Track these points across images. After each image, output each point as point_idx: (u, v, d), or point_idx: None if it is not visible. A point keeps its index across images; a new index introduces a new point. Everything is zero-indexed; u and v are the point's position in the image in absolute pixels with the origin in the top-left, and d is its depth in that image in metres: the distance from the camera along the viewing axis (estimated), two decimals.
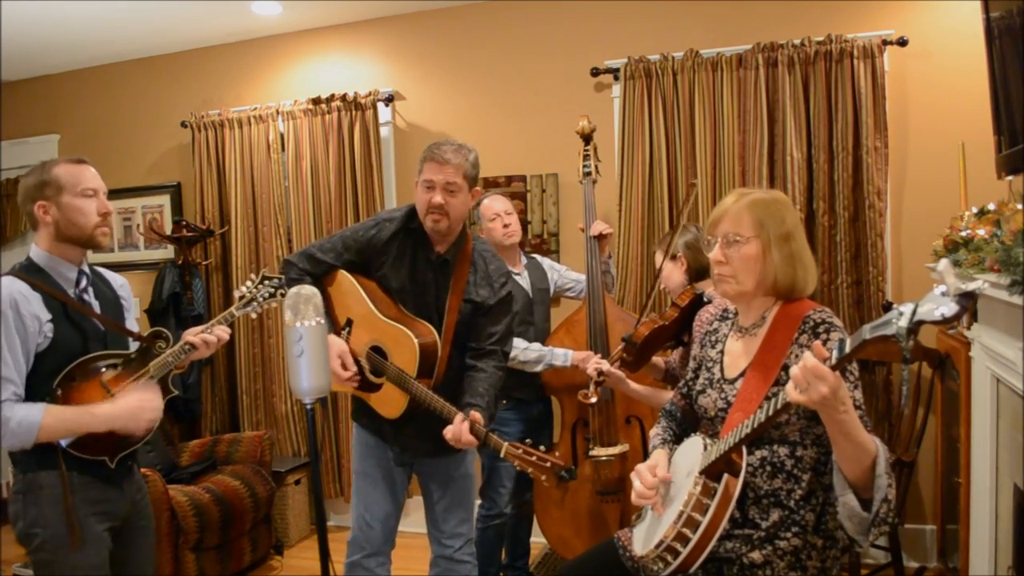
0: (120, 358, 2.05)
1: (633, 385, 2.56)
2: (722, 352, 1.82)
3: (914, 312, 1.16)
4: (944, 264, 1.16)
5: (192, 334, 2.10)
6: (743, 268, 1.70)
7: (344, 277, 2.37)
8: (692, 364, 1.92)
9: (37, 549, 1.95)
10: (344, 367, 2.25)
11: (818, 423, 1.61)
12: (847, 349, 1.31)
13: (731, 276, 1.72)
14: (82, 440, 1.94)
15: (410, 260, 2.34)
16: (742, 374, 1.70)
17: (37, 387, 1.92)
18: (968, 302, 1.11)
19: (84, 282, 2.07)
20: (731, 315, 1.88)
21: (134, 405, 1.95)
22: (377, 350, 2.29)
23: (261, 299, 2.23)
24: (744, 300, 1.77)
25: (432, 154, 2.27)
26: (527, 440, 2.09)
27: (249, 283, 2.25)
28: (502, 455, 2.06)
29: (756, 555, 1.62)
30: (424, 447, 2.35)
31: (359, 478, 2.45)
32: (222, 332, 2.11)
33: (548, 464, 2.01)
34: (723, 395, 1.73)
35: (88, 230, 2.01)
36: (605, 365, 2.55)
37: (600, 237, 3.07)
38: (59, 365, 1.94)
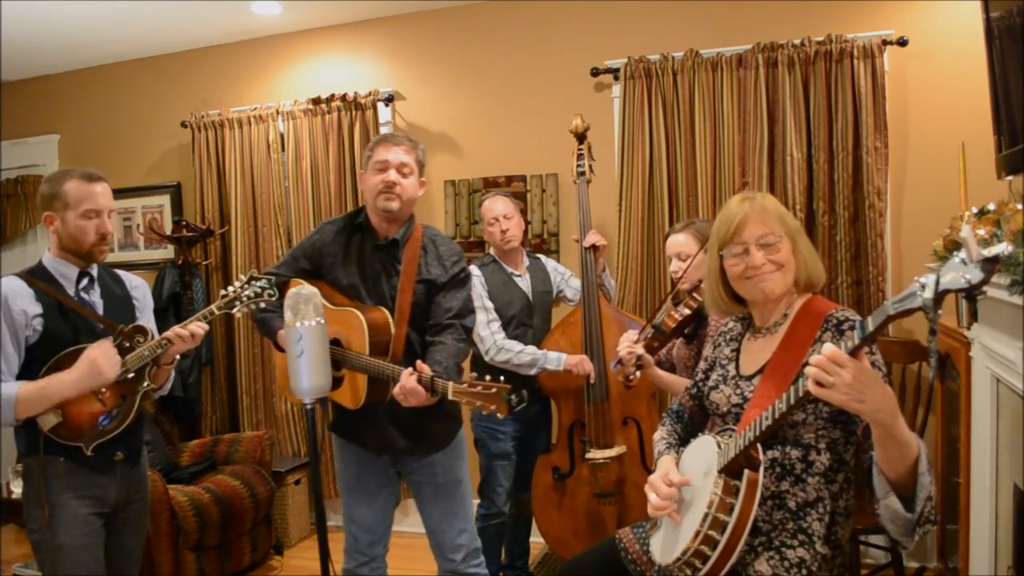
0: None
1: (659, 372, 2.53)
2: (737, 351, 1.80)
3: (938, 282, 1.13)
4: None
5: (170, 330, 2.18)
6: (786, 267, 1.68)
7: (298, 284, 2.35)
8: (703, 364, 1.90)
9: (31, 530, 2.11)
10: None
11: (835, 427, 1.59)
12: (870, 327, 1.27)
13: (774, 273, 1.67)
14: (58, 426, 2.07)
15: (357, 254, 2.37)
16: (760, 371, 1.68)
17: (30, 377, 2.07)
18: (992, 267, 1.08)
19: (85, 281, 2.20)
20: (744, 315, 1.85)
21: (88, 359, 2.06)
22: (335, 343, 2.29)
23: (245, 298, 2.25)
24: (779, 300, 1.74)
25: (383, 138, 2.36)
26: (473, 374, 2.04)
27: (237, 283, 2.29)
28: (450, 396, 2.00)
29: (764, 567, 1.58)
30: (403, 445, 2.34)
31: (343, 492, 2.47)
32: (196, 328, 2.17)
33: (493, 391, 1.93)
34: (739, 391, 1.71)
35: (86, 247, 2.16)
36: (639, 348, 2.45)
37: (594, 249, 3.03)
38: (50, 356, 2.09)
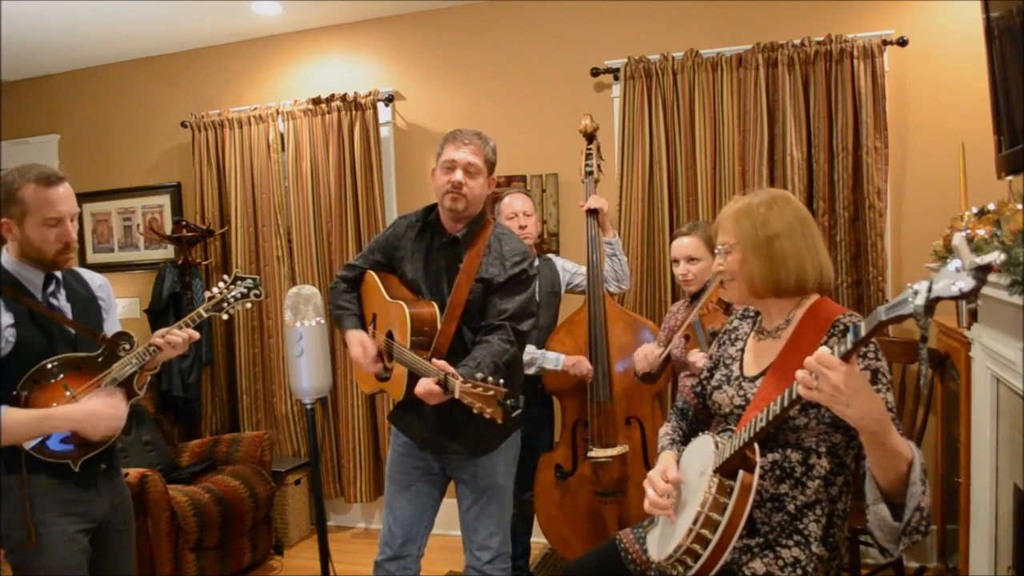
0: (84, 360, 2.05)
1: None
2: (742, 351, 1.80)
3: (930, 289, 1.13)
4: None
5: (158, 336, 2.11)
6: (735, 275, 1.72)
7: (370, 276, 2.46)
8: (708, 363, 1.91)
9: (10, 551, 1.98)
10: (364, 349, 2.31)
11: (836, 431, 1.59)
12: (863, 332, 1.27)
13: (729, 282, 1.75)
14: (41, 443, 1.95)
15: (425, 250, 2.39)
16: (762, 373, 1.68)
17: (5, 391, 1.93)
18: (984, 276, 1.08)
19: (52, 286, 2.08)
20: (752, 314, 1.86)
21: (93, 409, 1.96)
22: (390, 335, 2.32)
23: (232, 299, 2.21)
24: (757, 305, 1.76)
25: (453, 136, 2.35)
26: (479, 375, 2.00)
27: (221, 284, 2.24)
28: (456, 395, 1.97)
29: (757, 564, 1.59)
30: (447, 444, 2.33)
31: (387, 481, 2.47)
32: (186, 334, 2.12)
33: (490, 394, 1.91)
34: (741, 392, 1.71)
35: (49, 256, 2.02)
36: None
37: (598, 214, 3.00)
38: (25, 368, 1.96)
